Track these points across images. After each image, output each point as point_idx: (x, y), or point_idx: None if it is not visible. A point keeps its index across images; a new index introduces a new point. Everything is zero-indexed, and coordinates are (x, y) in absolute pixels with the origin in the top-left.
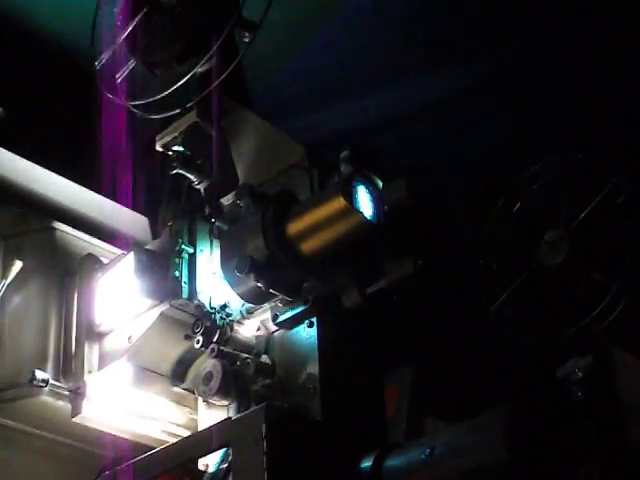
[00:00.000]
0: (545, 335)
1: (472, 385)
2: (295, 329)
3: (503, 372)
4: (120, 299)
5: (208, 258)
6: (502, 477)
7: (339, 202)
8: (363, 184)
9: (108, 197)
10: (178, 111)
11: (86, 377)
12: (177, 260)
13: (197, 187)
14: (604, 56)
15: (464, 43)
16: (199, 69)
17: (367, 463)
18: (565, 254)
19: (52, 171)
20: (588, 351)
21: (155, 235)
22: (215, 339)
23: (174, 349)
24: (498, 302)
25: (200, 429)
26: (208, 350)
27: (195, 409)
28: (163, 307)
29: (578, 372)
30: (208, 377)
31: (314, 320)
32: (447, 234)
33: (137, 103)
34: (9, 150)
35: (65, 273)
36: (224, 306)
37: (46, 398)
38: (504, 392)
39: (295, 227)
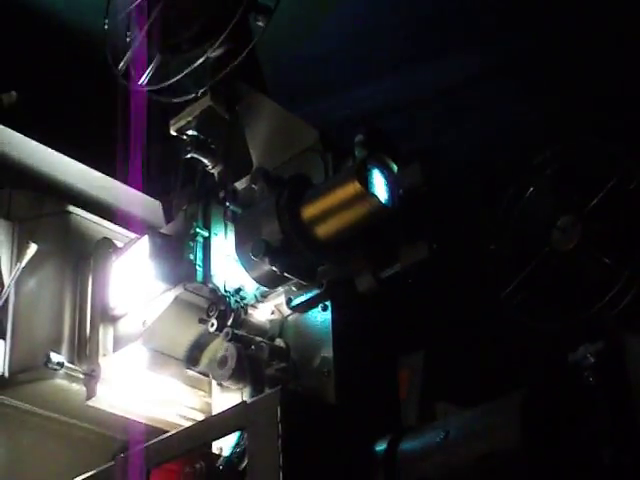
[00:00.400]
0: (557, 321)
1: (483, 370)
2: (309, 313)
3: (515, 357)
4: (135, 282)
5: (222, 242)
6: (516, 462)
7: (354, 186)
8: (378, 168)
9: (122, 181)
10: (193, 95)
11: (100, 360)
12: (192, 243)
13: (211, 171)
14: (621, 40)
15: (478, 27)
16: (213, 53)
17: (382, 446)
18: (577, 240)
19: (67, 155)
20: (600, 337)
21: (168, 219)
22: (229, 323)
23: (188, 332)
24: (510, 288)
25: (214, 413)
26: (222, 334)
27: (209, 393)
28: (178, 291)
29: (590, 357)
30: (223, 361)
31: (328, 304)
32: (461, 219)
33: (150, 88)
34: (24, 134)
35: (80, 256)
36: (238, 290)
37: (61, 381)
38: (516, 378)
39: (310, 211)
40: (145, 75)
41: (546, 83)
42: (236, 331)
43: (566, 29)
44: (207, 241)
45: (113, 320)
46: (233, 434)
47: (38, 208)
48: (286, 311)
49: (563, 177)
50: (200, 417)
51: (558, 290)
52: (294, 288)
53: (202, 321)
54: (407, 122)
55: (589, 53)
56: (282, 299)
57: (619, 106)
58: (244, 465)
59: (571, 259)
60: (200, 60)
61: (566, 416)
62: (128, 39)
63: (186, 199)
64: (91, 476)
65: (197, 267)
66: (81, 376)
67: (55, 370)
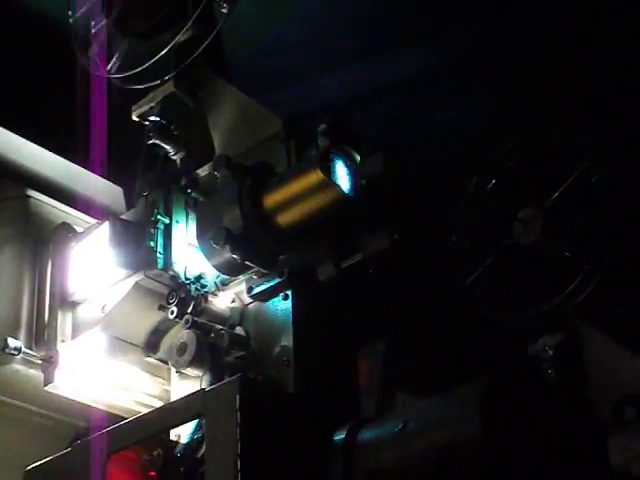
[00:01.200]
0: (517, 312)
1: (443, 361)
2: (270, 302)
3: (475, 349)
4: (94, 268)
5: (184, 229)
6: (475, 452)
7: (316, 175)
8: (340, 157)
9: (83, 166)
10: (157, 82)
11: (59, 346)
12: (152, 230)
13: (173, 158)
14: (589, 34)
15: (443, 18)
16: (179, 39)
17: (340, 436)
18: (538, 233)
19: (27, 139)
20: (559, 329)
21: (130, 206)
22: (189, 310)
23: (148, 319)
24: (471, 279)
25: (173, 400)
26: (182, 321)
27: (168, 380)
28: (138, 277)
29: (549, 350)
30: (182, 348)
31: (289, 293)
32: (424, 209)
33: (116, 76)
34: None
35: (39, 241)
36: (199, 277)
37: (18, 366)
38: (476, 369)
39: (272, 199)
40: (112, 64)
41: (511, 77)
42: (196, 318)
43: (535, 22)
44: (168, 228)
45: (72, 306)
46: (191, 421)
47: None
48: (247, 299)
49: (525, 170)
50: (158, 404)
51: (519, 282)
52: (255, 276)
53: (162, 308)
54: (369, 113)
55: (555, 48)
56: (243, 287)
57: (583, 101)
58: (202, 452)
59: (532, 251)
60: (169, 46)
61: (525, 407)
62: (93, 27)
63: (147, 185)
64: (48, 462)
65: (158, 254)
66: (39, 362)
67: (12, 355)
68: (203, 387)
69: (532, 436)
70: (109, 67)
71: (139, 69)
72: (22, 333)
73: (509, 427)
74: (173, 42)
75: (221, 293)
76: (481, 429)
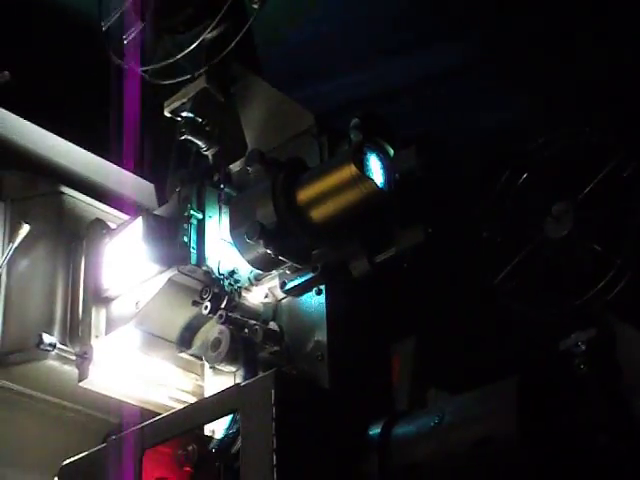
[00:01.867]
0: (549, 308)
1: (475, 357)
2: (303, 296)
3: (507, 345)
4: (128, 264)
5: (217, 224)
6: (511, 447)
7: (350, 169)
8: (374, 151)
9: (115, 163)
10: (189, 77)
11: (93, 342)
12: (186, 226)
13: (205, 153)
14: (624, 26)
15: (477, 12)
16: (208, 35)
17: (375, 430)
18: (570, 228)
19: (60, 136)
20: (591, 324)
21: (161, 202)
22: (223, 305)
23: (181, 315)
24: (501, 275)
25: (206, 396)
26: (216, 316)
27: (201, 376)
28: (171, 273)
29: (581, 345)
30: (216, 343)
31: (322, 288)
32: (457, 203)
33: (147, 68)
34: (17, 115)
35: (72, 237)
36: (232, 272)
37: (53, 362)
38: (507, 365)
39: (305, 194)
40: (143, 59)
41: (545, 70)
42: (230, 314)
43: (568, 12)
44: (201, 223)
45: (106, 302)
46: (226, 417)
47: (31, 188)
48: (280, 294)
49: (557, 165)
50: (192, 400)
51: (551, 277)
52: (288, 271)
53: (195, 303)
54: (402, 108)
55: (587, 39)
56: (276, 282)
57: (616, 94)
58: (237, 448)
59: (564, 247)
60: (197, 42)
61: (559, 402)
62: (125, 22)
63: (180, 181)
64: (82, 458)
65: (191, 249)
66: (73, 358)
67: (47, 351)
68: (237, 382)
69: (567, 431)
70: (141, 63)
71: (168, 61)
72: (56, 329)
73: (545, 422)
74: (202, 37)
75: (254, 288)
76: (517, 424)
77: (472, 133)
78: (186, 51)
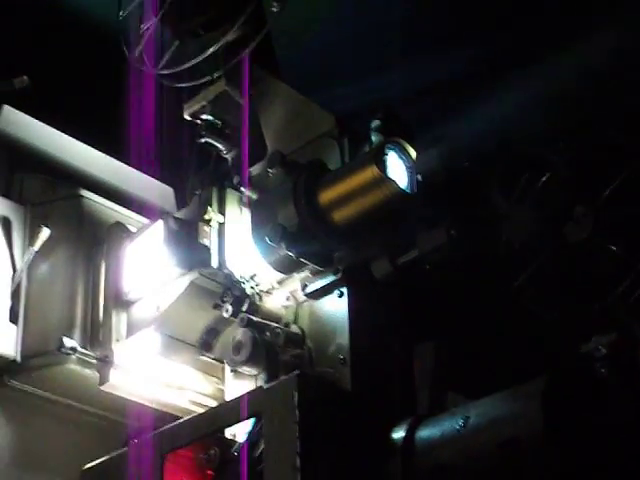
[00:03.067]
0: (569, 312)
1: (496, 361)
2: (325, 299)
3: (527, 349)
4: (148, 267)
5: (237, 227)
6: (537, 448)
7: (372, 171)
8: (395, 153)
9: (135, 167)
10: (207, 79)
11: (114, 345)
12: (206, 228)
13: (225, 156)
14: None
15: (493, 14)
16: (229, 37)
17: (400, 433)
18: (590, 231)
19: (80, 140)
20: (612, 328)
21: (180, 206)
22: (244, 308)
23: (203, 318)
24: (522, 278)
25: (227, 399)
26: (237, 319)
27: (222, 379)
28: (192, 276)
29: (602, 349)
30: (238, 346)
31: (344, 290)
32: (479, 206)
33: (166, 72)
34: (37, 118)
35: (93, 241)
36: (253, 275)
37: (74, 366)
38: (528, 369)
39: (327, 196)
40: (162, 61)
41: (564, 70)
42: (251, 317)
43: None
44: (222, 226)
45: (126, 305)
46: (248, 420)
47: (51, 192)
48: (301, 297)
49: (577, 168)
50: (213, 404)
51: (571, 281)
52: (310, 274)
53: (217, 307)
54: (421, 111)
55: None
56: (297, 285)
57: (636, 97)
58: (259, 451)
59: (584, 250)
60: (218, 45)
61: (583, 405)
62: (143, 25)
63: (200, 184)
64: (104, 461)
65: (212, 252)
66: (94, 361)
67: (68, 355)
68: (259, 385)
69: (595, 432)
70: (160, 66)
71: (187, 65)
72: (77, 333)
73: (571, 423)
74: (224, 39)
75: (275, 291)
76: (544, 425)
77: (491, 134)
78: (207, 53)
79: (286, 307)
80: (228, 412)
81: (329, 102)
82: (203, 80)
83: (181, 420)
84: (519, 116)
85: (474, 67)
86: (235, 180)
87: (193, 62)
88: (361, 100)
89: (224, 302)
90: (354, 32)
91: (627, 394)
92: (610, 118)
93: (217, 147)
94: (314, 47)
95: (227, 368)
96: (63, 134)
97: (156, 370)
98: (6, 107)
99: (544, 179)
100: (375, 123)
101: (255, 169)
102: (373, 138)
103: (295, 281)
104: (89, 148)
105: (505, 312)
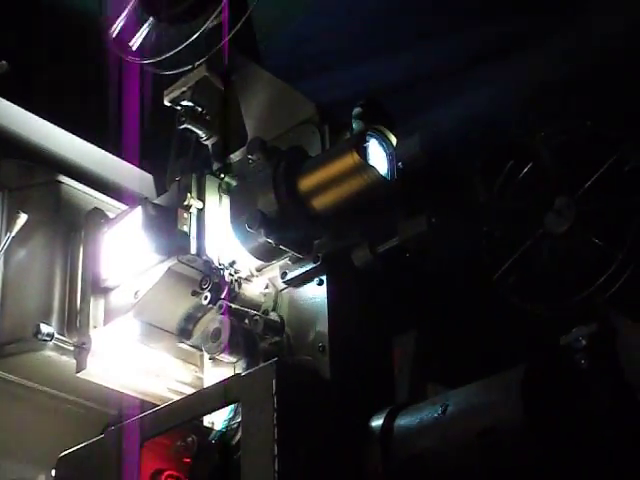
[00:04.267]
0: (550, 303)
1: (475, 352)
2: (304, 287)
3: (507, 340)
4: (127, 254)
5: (217, 214)
6: (516, 437)
7: (352, 157)
8: (376, 140)
9: (114, 154)
10: (190, 67)
11: (91, 332)
12: (186, 215)
13: (205, 142)
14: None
15: (477, 7)
16: (210, 24)
17: (378, 421)
18: (571, 222)
19: (58, 125)
20: (592, 319)
21: (159, 193)
22: (223, 296)
23: (181, 305)
24: (502, 269)
25: (205, 387)
26: (216, 307)
27: (200, 367)
28: (171, 262)
29: (582, 340)
30: (216, 333)
31: (324, 278)
32: (460, 194)
33: (148, 61)
34: (15, 104)
35: (70, 227)
36: (232, 262)
37: (50, 353)
38: (507, 360)
39: (307, 182)
40: (135, 39)
41: (545, 62)
42: (230, 304)
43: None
44: (201, 213)
45: (104, 292)
46: (226, 407)
47: (28, 177)
48: (281, 285)
49: (559, 158)
50: (190, 392)
51: (551, 272)
52: (289, 262)
53: (195, 294)
54: (403, 101)
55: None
56: (277, 273)
57: (617, 89)
58: (237, 439)
59: (565, 241)
60: (199, 31)
61: (563, 394)
62: (124, 11)
63: (180, 170)
64: (81, 449)
65: (191, 239)
66: (71, 348)
67: (45, 341)
68: (238, 372)
69: (573, 421)
70: (139, 51)
71: (169, 54)
72: (54, 319)
73: (551, 412)
74: (204, 27)
75: (255, 279)
76: (523, 414)
77: (474, 124)
78: (190, 40)
79: (265, 295)
80: (206, 399)
81: (311, 92)
82: (185, 68)
83: (159, 407)
84: (501, 104)
85: (457, 56)
86: (215, 166)
87: (176, 50)
88: (343, 90)
89: (203, 289)
90: (336, 22)
91: (606, 385)
92: (591, 108)
93: (197, 133)
94: (295, 37)
95: (206, 356)
96: (41, 119)
97: (134, 357)
98: None
99: (526, 169)
100: (356, 110)
101: (235, 156)
102: (354, 125)
103: (274, 269)
104: (68, 134)
105: (485, 302)
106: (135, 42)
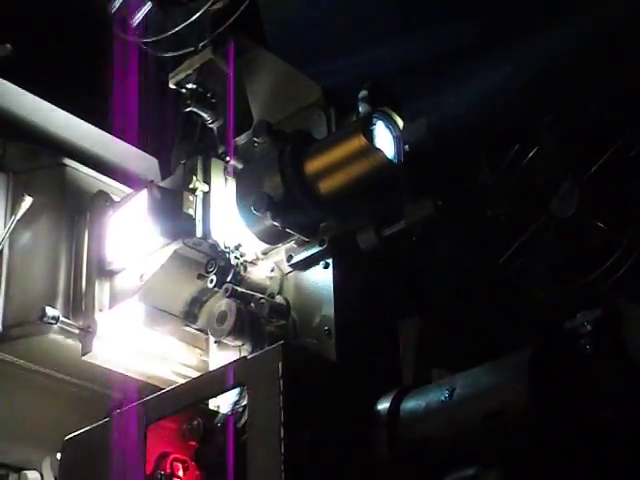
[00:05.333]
0: (555, 288)
1: (480, 337)
2: (310, 270)
3: (512, 325)
4: (132, 237)
5: (223, 197)
6: (523, 420)
7: (359, 140)
8: (383, 122)
9: (119, 137)
10: (192, 49)
11: (97, 315)
12: (191, 198)
13: (210, 125)
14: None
15: None
16: (213, 6)
17: (385, 404)
18: (576, 206)
19: (63, 109)
20: (597, 304)
21: (164, 177)
22: (229, 279)
23: (187, 288)
24: (507, 254)
25: (211, 370)
26: (222, 290)
27: (206, 350)
28: (176, 245)
29: (586, 325)
30: (222, 317)
31: (330, 261)
32: (466, 178)
33: (150, 40)
34: (20, 86)
35: (76, 210)
36: (238, 246)
37: (56, 336)
38: (513, 345)
39: (313, 165)
40: (135, 17)
41: (550, 47)
42: (236, 287)
43: None
44: (207, 196)
45: (110, 275)
46: (232, 391)
47: (33, 160)
48: (286, 268)
49: (564, 142)
50: (196, 375)
51: (556, 257)
52: (295, 245)
53: (201, 277)
54: (409, 85)
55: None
56: (282, 256)
57: (621, 73)
58: (243, 422)
59: (570, 226)
60: (202, 10)
61: (568, 378)
62: None
63: (185, 153)
64: (86, 432)
65: (197, 222)
66: (76, 331)
67: (50, 325)
68: (244, 356)
69: (579, 403)
70: (145, 35)
71: (167, 34)
72: (60, 302)
73: (557, 394)
74: (205, 7)
75: (260, 262)
76: (530, 396)
77: (480, 108)
78: (189, 20)
79: (271, 278)
80: (212, 382)
81: (317, 77)
82: (188, 50)
83: (164, 390)
84: (508, 88)
85: (464, 40)
86: (220, 149)
87: (175, 30)
88: (349, 74)
89: (208, 272)
90: (342, 6)
91: (611, 370)
92: (597, 92)
93: (202, 116)
94: (301, 21)
95: (211, 339)
96: (46, 102)
97: (139, 341)
98: None
99: (532, 153)
100: (362, 93)
101: (241, 139)
102: (360, 108)
103: (280, 252)
104: (73, 117)
105: (490, 287)
106: (135, 20)
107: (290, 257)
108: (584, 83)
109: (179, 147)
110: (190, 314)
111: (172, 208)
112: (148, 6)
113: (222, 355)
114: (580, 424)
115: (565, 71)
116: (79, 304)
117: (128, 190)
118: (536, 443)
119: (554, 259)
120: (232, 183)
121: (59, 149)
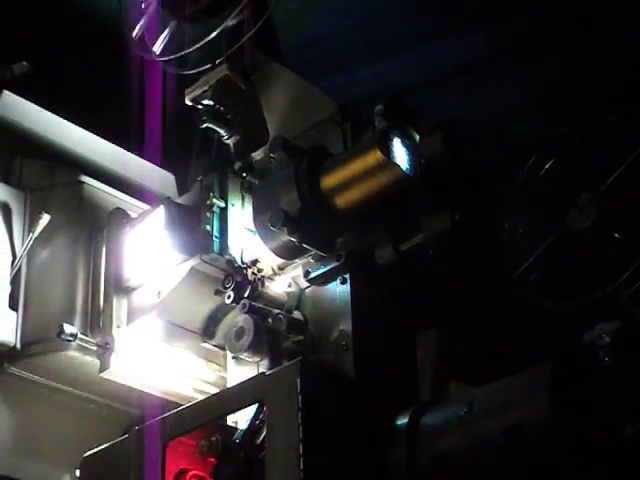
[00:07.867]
0: (572, 300)
1: (498, 350)
2: (327, 286)
3: (529, 338)
4: (149, 254)
5: (239, 213)
6: (543, 435)
7: (375, 155)
8: (399, 137)
9: (135, 154)
10: (209, 66)
11: (114, 332)
12: (208, 214)
13: (227, 142)
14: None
15: (495, 3)
16: (229, 22)
17: (403, 420)
18: (593, 218)
19: (80, 126)
20: (616, 316)
21: (181, 193)
22: (246, 294)
23: (204, 304)
24: (524, 267)
25: (231, 385)
26: (239, 306)
27: (224, 366)
28: (194, 262)
29: (605, 337)
30: (239, 333)
31: (347, 277)
32: (483, 191)
33: (168, 58)
34: (38, 104)
35: (93, 227)
36: (255, 261)
37: (74, 353)
38: (530, 358)
39: (330, 180)
40: (159, 43)
41: (567, 59)
42: (253, 303)
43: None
44: (224, 212)
45: (127, 291)
46: (250, 407)
47: (50, 177)
48: (304, 284)
49: (580, 153)
50: (214, 391)
51: (574, 269)
52: (312, 260)
53: (218, 293)
54: (424, 99)
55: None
56: (300, 271)
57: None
58: (261, 438)
59: (587, 237)
60: (220, 28)
61: (588, 392)
62: (144, 11)
63: (201, 170)
64: (105, 449)
65: (214, 238)
66: (94, 348)
67: (68, 342)
68: (262, 372)
69: (597, 419)
70: (157, 47)
71: (188, 51)
72: (77, 319)
73: (577, 409)
74: (224, 24)
75: (278, 277)
76: (550, 410)
77: (495, 121)
78: (209, 37)
79: (288, 293)
80: (230, 399)
81: (332, 90)
82: (205, 67)
83: (183, 407)
84: (523, 101)
85: (478, 53)
86: (237, 166)
87: (195, 47)
88: (364, 88)
89: (226, 288)
90: (356, 20)
91: (631, 382)
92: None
93: (219, 132)
94: (316, 35)
95: (229, 355)
96: (63, 120)
97: (157, 357)
98: (6, 92)
99: (548, 165)
100: (378, 108)
101: (257, 154)
102: (376, 123)
103: (297, 267)
104: (89, 134)
105: (508, 300)
106: (159, 46)
107: (307, 272)
108: (601, 95)
109: (196, 163)
110: (208, 330)
111: (189, 224)
112: (173, 27)
113: (240, 371)
114: (600, 439)
115: (581, 84)
116: (97, 321)
117: (145, 207)
118: (556, 458)
119: (572, 271)
120: (249, 199)
121: (76, 166)
